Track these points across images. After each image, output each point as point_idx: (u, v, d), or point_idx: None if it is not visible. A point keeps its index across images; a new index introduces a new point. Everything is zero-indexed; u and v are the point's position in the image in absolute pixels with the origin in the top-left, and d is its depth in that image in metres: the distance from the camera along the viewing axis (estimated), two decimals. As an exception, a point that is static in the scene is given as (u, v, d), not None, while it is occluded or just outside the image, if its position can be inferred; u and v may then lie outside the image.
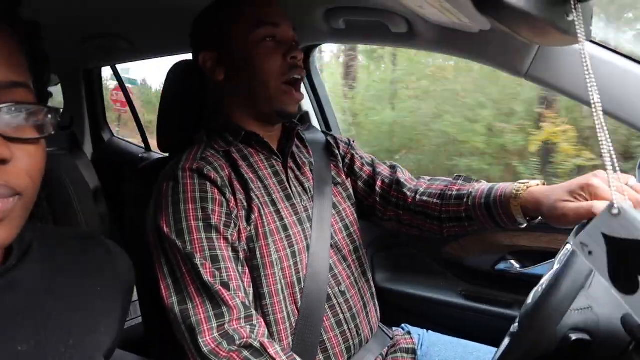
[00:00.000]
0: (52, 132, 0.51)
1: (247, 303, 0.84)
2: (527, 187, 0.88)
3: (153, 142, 2.40)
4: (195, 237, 0.83)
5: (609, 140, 0.50)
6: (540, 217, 0.87)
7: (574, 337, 0.65)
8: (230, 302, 0.81)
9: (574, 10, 0.42)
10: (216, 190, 0.88)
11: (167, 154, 1.18)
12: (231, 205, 0.88)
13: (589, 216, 0.72)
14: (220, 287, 0.81)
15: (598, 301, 0.70)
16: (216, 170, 0.90)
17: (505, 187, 0.92)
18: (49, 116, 0.50)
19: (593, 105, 0.50)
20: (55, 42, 1.77)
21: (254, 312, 0.83)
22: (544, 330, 0.64)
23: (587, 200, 0.75)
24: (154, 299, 0.89)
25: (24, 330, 0.52)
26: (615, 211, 0.53)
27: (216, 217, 0.85)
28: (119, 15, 1.41)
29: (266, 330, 0.84)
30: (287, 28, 0.96)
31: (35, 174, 0.50)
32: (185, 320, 0.80)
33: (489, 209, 0.93)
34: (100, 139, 2.54)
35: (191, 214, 0.84)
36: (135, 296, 1.76)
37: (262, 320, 0.85)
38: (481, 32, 0.96)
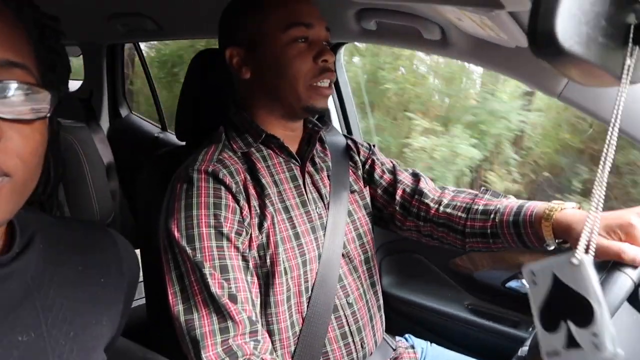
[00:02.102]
0: (48, 115, 0.50)
1: (254, 317, 0.82)
2: (562, 209, 0.85)
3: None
4: (205, 244, 0.81)
5: (604, 181, 0.48)
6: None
7: None
8: (237, 317, 0.79)
9: (629, 56, 0.40)
10: (230, 197, 0.86)
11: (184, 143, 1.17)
12: (244, 212, 0.86)
13: (616, 258, 0.70)
14: (227, 300, 0.79)
15: (617, 335, 0.68)
16: (232, 174, 0.88)
17: (536, 205, 0.90)
18: (49, 99, 0.50)
19: (605, 148, 0.48)
20: (82, 16, 1.76)
21: (259, 327, 0.82)
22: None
23: (620, 238, 0.73)
24: (159, 284, 0.88)
25: (25, 321, 0.52)
26: (575, 261, 0.54)
27: (228, 225, 0.84)
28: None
29: (270, 345, 0.83)
30: (320, 29, 0.93)
31: (27, 157, 0.48)
32: (190, 331, 0.79)
33: (517, 227, 0.90)
34: (117, 114, 2.54)
35: (203, 220, 0.82)
36: (140, 277, 1.77)
37: (266, 335, 0.84)
38: (517, 48, 0.93)
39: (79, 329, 0.56)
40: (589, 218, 0.49)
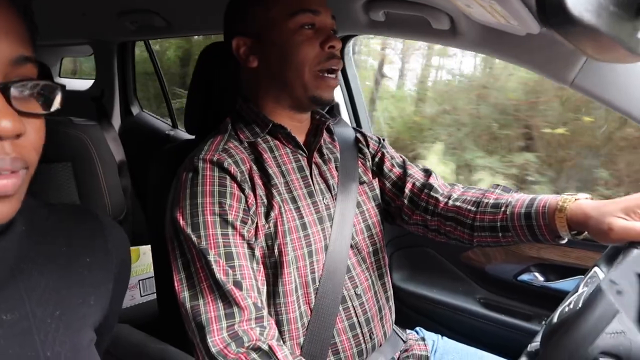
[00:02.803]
0: (59, 107, 0.52)
1: (259, 303, 0.82)
2: (575, 199, 0.84)
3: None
4: (210, 232, 0.81)
5: None
6: (585, 233, 0.84)
7: None
8: (242, 303, 0.79)
9: (644, 28, 0.39)
10: (235, 185, 0.86)
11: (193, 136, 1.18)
12: (249, 201, 0.86)
13: (636, 238, 0.69)
14: (232, 286, 0.79)
15: (632, 327, 0.67)
16: (237, 163, 0.88)
17: (549, 198, 0.89)
18: (57, 92, 0.51)
19: None
20: (92, 14, 1.78)
21: (265, 313, 0.82)
22: (573, 352, 0.61)
23: None
24: (170, 279, 0.88)
25: (9, 301, 0.52)
26: None
27: (233, 213, 0.84)
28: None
29: (276, 332, 0.82)
30: (326, 16, 0.93)
31: (39, 148, 0.51)
32: (196, 317, 0.79)
33: (529, 219, 0.89)
34: (128, 112, 2.56)
35: (208, 208, 0.83)
36: (151, 272, 1.79)
37: (272, 321, 0.83)
38: (528, 35, 0.92)
39: (64, 308, 0.56)
40: None
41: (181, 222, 0.83)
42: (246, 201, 0.86)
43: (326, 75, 0.92)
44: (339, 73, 0.97)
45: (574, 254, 1.24)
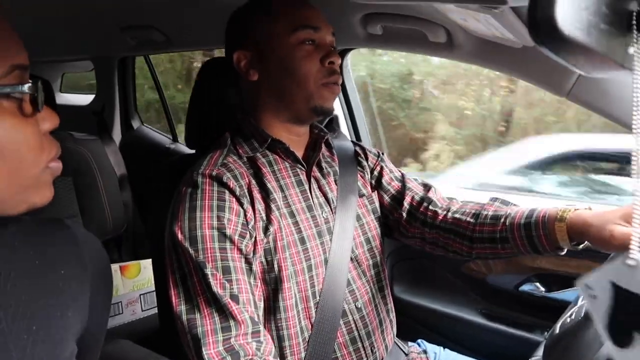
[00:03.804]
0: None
1: (256, 318, 0.82)
2: (575, 210, 0.85)
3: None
4: (208, 245, 0.82)
5: None
6: (585, 243, 0.84)
7: None
8: (239, 317, 0.79)
9: (635, 43, 0.40)
10: (234, 199, 0.86)
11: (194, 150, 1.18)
12: (248, 215, 0.87)
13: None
14: (229, 299, 0.79)
15: (603, 333, 0.67)
16: (236, 178, 0.88)
17: (548, 209, 0.89)
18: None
19: (635, 142, 0.47)
20: (93, 30, 1.80)
21: (262, 328, 0.82)
22: None
23: None
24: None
25: None
26: (631, 262, 0.50)
27: (232, 227, 0.84)
28: (157, 8, 1.42)
29: (273, 347, 0.82)
30: (326, 32, 0.94)
31: None
32: (192, 330, 0.79)
33: (529, 229, 0.89)
34: (129, 126, 2.57)
35: (206, 222, 0.83)
36: (152, 287, 1.78)
37: (269, 337, 0.83)
38: (524, 48, 0.93)
39: (41, 322, 0.56)
40: (636, 214, 0.47)
41: (179, 235, 0.83)
42: (245, 215, 0.86)
43: (329, 80, 0.93)
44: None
45: (575, 263, 1.24)
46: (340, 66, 1.52)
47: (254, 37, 0.95)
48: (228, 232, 0.83)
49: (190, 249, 0.82)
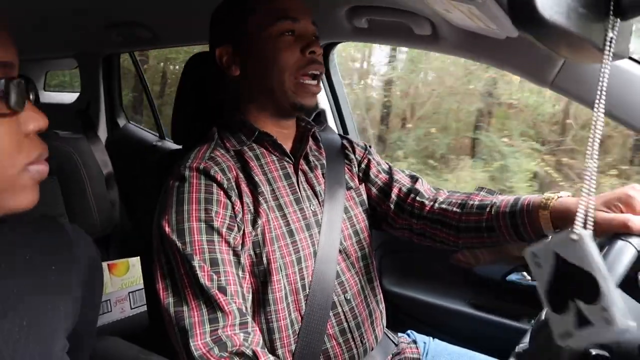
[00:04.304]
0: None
1: (244, 309, 0.82)
2: (558, 197, 0.86)
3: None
4: (196, 238, 0.82)
5: (595, 159, 0.50)
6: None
7: (594, 352, 0.64)
8: (226, 308, 0.79)
9: (611, 28, 0.41)
10: (222, 192, 0.86)
11: (181, 146, 1.18)
12: (236, 208, 0.87)
13: (622, 229, 0.71)
14: (216, 291, 0.79)
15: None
16: (223, 171, 0.88)
17: (532, 197, 0.90)
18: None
19: (593, 124, 0.50)
20: (78, 27, 1.78)
21: (249, 319, 0.82)
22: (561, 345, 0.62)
23: (622, 212, 0.75)
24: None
25: None
26: (574, 237, 0.55)
27: (219, 220, 0.84)
28: (144, 4, 1.41)
29: (261, 339, 0.83)
30: (306, 22, 0.94)
31: None
32: (179, 322, 0.79)
33: (514, 218, 0.90)
34: (115, 124, 2.55)
35: (194, 215, 0.83)
36: (140, 284, 1.77)
37: (257, 328, 0.84)
38: (508, 39, 0.94)
39: (32, 318, 0.56)
40: (583, 192, 0.50)
41: (167, 229, 0.83)
42: (233, 208, 0.86)
43: (307, 82, 0.93)
44: (323, 79, 0.98)
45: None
46: (327, 59, 1.54)
47: (234, 32, 0.95)
48: (216, 224, 0.83)
49: (177, 242, 0.81)
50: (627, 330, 0.53)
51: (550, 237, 0.56)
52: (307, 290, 0.91)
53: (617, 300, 0.55)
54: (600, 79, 0.45)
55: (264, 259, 0.87)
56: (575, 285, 0.58)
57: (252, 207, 0.89)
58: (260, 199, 0.90)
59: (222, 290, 0.80)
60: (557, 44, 0.40)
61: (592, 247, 0.55)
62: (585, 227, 0.57)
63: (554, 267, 0.60)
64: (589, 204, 0.53)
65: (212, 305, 0.79)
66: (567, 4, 0.36)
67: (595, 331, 0.57)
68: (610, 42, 0.41)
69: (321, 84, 1.01)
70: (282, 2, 0.93)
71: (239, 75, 0.96)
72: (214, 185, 0.86)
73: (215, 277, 0.80)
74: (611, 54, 0.42)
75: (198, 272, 0.80)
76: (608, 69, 0.44)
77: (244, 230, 0.87)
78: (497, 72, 3.18)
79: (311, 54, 0.92)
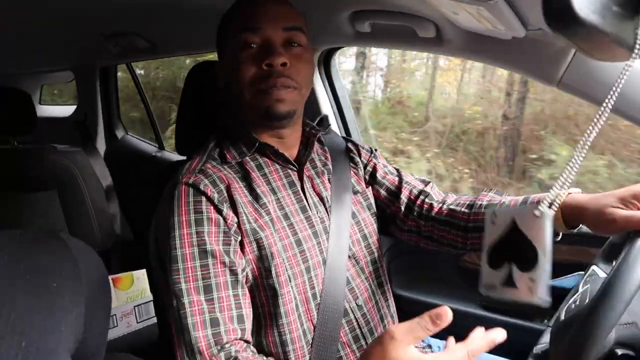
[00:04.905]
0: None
1: (240, 332, 0.82)
2: (568, 194, 0.85)
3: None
4: (189, 265, 0.81)
5: (584, 152, 0.55)
6: (579, 227, 0.85)
7: (620, 352, 0.64)
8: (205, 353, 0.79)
9: (641, 26, 0.40)
10: (211, 208, 0.84)
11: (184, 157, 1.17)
12: (229, 222, 0.85)
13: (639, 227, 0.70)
14: (207, 331, 0.79)
15: None
16: (214, 183, 0.86)
17: (542, 195, 0.90)
18: None
19: (597, 117, 0.54)
20: (75, 39, 1.77)
21: (249, 337, 0.83)
22: (588, 346, 0.62)
23: (639, 209, 0.75)
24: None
25: None
26: (537, 213, 0.62)
27: (213, 239, 0.83)
28: (141, 14, 1.40)
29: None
30: (272, 31, 0.88)
31: None
32: (188, 345, 0.79)
33: None
34: (113, 136, 2.53)
35: (186, 240, 0.82)
36: (146, 298, 1.75)
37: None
38: (514, 39, 0.94)
39: (32, 338, 0.54)
40: (563, 175, 0.53)
41: (163, 254, 0.83)
42: (225, 222, 0.84)
43: (267, 88, 0.87)
44: (325, 84, 0.97)
45: (571, 250, 1.26)
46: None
47: (219, 45, 0.97)
48: (209, 247, 0.82)
49: (173, 267, 0.81)
50: (542, 304, 0.64)
51: (514, 206, 0.68)
52: (319, 299, 0.90)
53: (546, 277, 0.64)
54: (621, 76, 0.45)
55: (273, 272, 0.86)
56: (516, 251, 0.67)
57: (250, 218, 0.87)
58: (262, 211, 0.88)
59: (215, 323, 0.80)
60: (588, 43, 0.39)
61: (549, 226, 0.63)
62: (550, 207, 0.65)
63: (506, 230, 0.68)
64: (564, 186, 0.58)
65: (193, 350, 0.79)
66: (602, 3, 0.35)
67: (516, 293, 0.68)
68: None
69: (322, 93, 1.00)
70: (247, 11, 0.90)
71: (223, 88, 0.96)
72: (203, 200, 0.84)
73: (207, 307, 0.80)
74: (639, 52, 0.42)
75: (188, 307, 0.80)
76: (631, 67, 0.44)
77: (242, 241, 0.86)
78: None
79: (267, 66, 0.86)
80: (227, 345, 0.79)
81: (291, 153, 0.99)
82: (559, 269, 1.29)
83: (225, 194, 0.86)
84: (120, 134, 2.54)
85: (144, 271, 1.79)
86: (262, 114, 0.89)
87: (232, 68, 0.90)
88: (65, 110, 2.82)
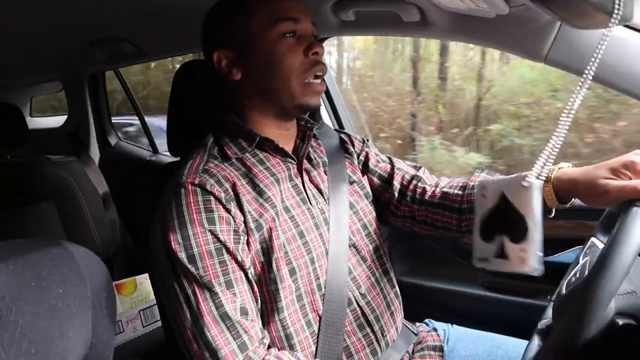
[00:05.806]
0: None
1: (260, 324, 0.84)
2: (559, 168, 0.85)
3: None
4: (207, 263, 0.81)
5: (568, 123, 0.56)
6: (572, 202, 0.85)
7: (621, 322, 0.64)
8: (251, 331, 0.80)
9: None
10: (221, 207, 0.84)
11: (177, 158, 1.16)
12: (237, 220, 0.85)
13: (634, 195, 0.70)
14: (240, 317, 0.80)
15: None
16: (220, 182, 0.86)
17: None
18: None
19: (579, 86, 0.56)
20: (61, 48, 1.75)
21: (265, 332, 0.84)
22: (589, 317, 0.61)
23: (630, 178, 0.75)
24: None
25: None
26: (525, 184, 0.63)
27: (225, 237, 0.83)
28: (125, 19, 1.39)
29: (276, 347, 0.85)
30: (307, 22, 0.92)
31: None
32: (207, 346, 0.79)
33: None
34: (106, 143, 2.52)
35: (201, 239, 0.82)
36: (150, 302, 1.75)
37: (271, 336, 0.86)
38: (498, 17, 0.94)
39: (40, 345, 0.54)
40: (549, 145, 0.53)
41: (178, 253, 0.81)
42: (234, 221, 0.84)
43: (312, 81, 0.92)
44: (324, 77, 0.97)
45: (566, 225, 1.27)
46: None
47: (234, 35, 0.92)
48: (224, 244, 0.82)
49: (191, 268, 0.80)
50: (534, 273, 0.65)
51: (503, 178, 0.68)
52: (323, 290, 0.90)
53: (537, 248, 0.66)
54: (600, 42, 0.45)
55: (274, 265, 0.86)
56: (507, 223, 0.68)
57: (255, 215, 0.87)
58: (267, 204, 0.88)
59: (244, 312, 0.81)
60: (567, 10, 0.39)
61: (537, 196, 0.64)
62: (538, 178, 0.66)
63: (497, 203, 0.69)
64: (551, 156, 0.59)
65: (237, 330, 0.79)
66: None
67: (509, 264, 0.69)
68: (619, 5, 0.40)
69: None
70: (282, 3, 0.91)
71: (240, 80, 0.93)
72: (212, 199, 0.84)
73: (235, 300, 0.81)
74: (619, 17, 0.41)
75: (222, 298, 0.80)
76: (611, 32, 0.43)
77: (248, 240, 0.86)
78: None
79: (314, 55, 0.90)
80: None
81: (289, 147, 0.99)
82: (559, 245, 1.30)
83: (232, 193, 0.86)
84: (113, 140, 2.53)
85: (146, 275, 1.80)
86: (299, 104, 0.92)
87: (268, 58, 0.90)
88: (57, 121, 2.81)
